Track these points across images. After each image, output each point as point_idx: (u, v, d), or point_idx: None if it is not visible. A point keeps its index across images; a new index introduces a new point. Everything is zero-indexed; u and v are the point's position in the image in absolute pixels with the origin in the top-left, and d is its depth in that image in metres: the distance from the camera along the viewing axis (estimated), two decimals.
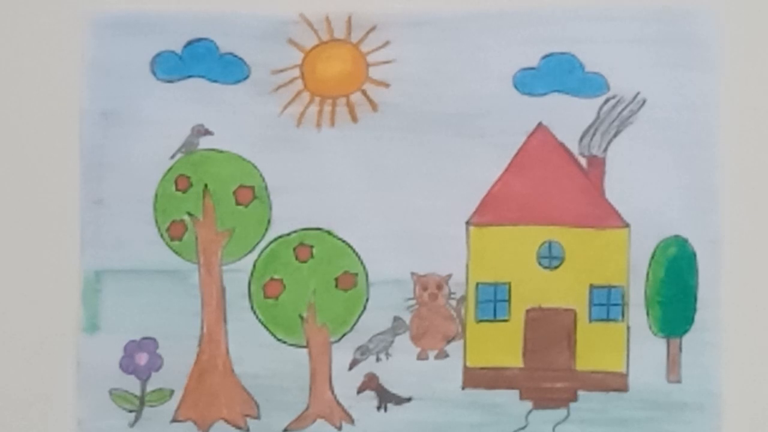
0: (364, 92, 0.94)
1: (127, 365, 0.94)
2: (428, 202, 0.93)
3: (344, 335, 0.94)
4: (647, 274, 0.92)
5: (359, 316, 0.94)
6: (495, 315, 0.93)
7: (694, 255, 0.92)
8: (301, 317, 0.94)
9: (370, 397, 0.93)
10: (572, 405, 0.92)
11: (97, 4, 0.95)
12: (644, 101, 0.93)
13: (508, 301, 0.93)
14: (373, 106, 0.94)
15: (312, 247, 0.94)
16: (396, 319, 0.93)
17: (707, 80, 0.92)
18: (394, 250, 0.93)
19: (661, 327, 0.92)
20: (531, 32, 0.93)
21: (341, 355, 0.94)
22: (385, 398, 0.93)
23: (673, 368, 0.92)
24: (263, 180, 0.94)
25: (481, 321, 0.93)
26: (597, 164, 0.93)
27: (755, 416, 0.92)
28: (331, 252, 0.94)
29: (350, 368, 0.93)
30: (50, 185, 0.95)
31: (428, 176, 0.93)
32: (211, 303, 0.94)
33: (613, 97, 0.93)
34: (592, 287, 0.92)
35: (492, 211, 0.93)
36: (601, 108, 0.93)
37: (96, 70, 0.95)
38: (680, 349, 0.92)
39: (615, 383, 0.92)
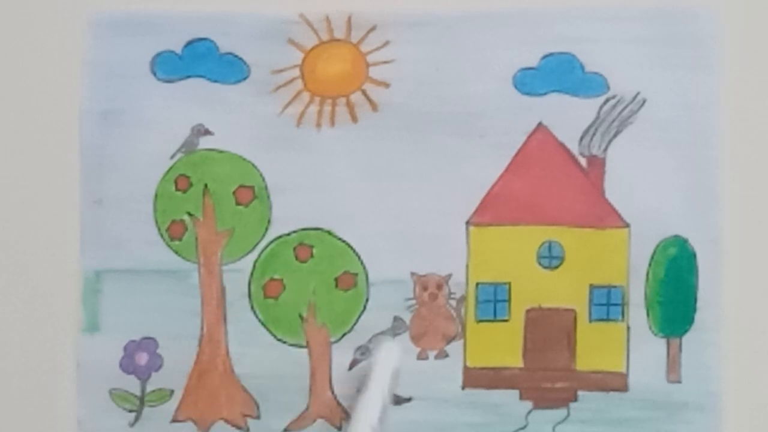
0: (364, 92, 0.94)
1: (127, 365, 0.94)
2: (428, 202, 0.93)
3: (344, 335, 0.94)
4: (647, 274, 0.92)
5: (359, 316, 0.94)
6: (495, 315, 0.93)
7: (694, 255, 0.92)
8: (301, 317, 0.94)
9: None
10: (572, 405, 0.92)
11: (97, 4, 0.95)
12: (644, 101, 0.93)
13: (508, 301, 0.93)
14: (373, 106, 0.94)
15: (312, 247, 0.94)
16: (396, 319, 0.93)
17: (707, 80, 0.92)
18: (394, 250, 0.93)
19: (661, 327, 0.92)
20: (531, 32, 0.93)
21: (341, 355, 0.94)
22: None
23: (673, 368, 0.92)
24: (263, 180, 0.94)
25: (481, 321, 0.93)
26: (597, 164, 0.93)
27: (755, 416, 0.92)
28: (331, 252, 0.94)
29: (350, 368, 0.94)
30: (50, 185, 0.95)
31: (428, 176, 0.93)
32: (211, 303, 0.94)
33: (613, 97, 0.93)
34: (592, 287, 0.93)
35: (492, 211, 0.93)
36: (601, 108, 0.93)
37: (96, 70, 0.95)
38: (680, 349, 0.92)
39: (615, 383, 0.92)
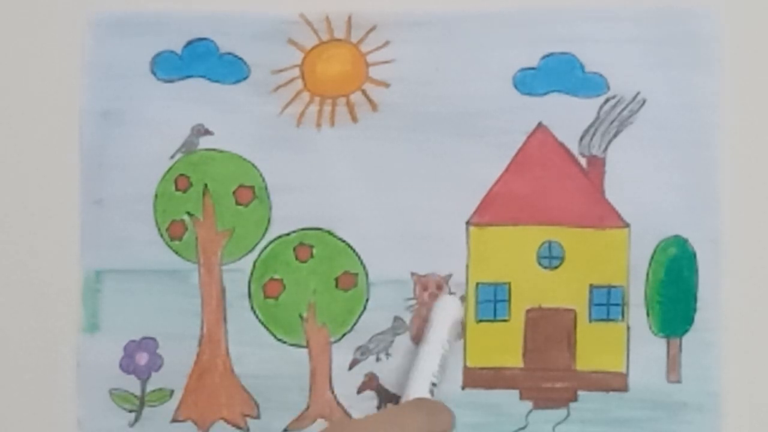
0: (364, 92, 0.94)
1: (127, 365, 0.94)
2: (428, 202, 0.93)
3: (344, 335, 0.94)
4: (647, 274, 0.92)
5: (359, 316, 0.94)
6: (495, 315, 0.93)
7: (694, 255, 0.92)
8: (301, 317, 0.94)
9: (370, 397, 0.93)
10: (572, 405, 0.92)
11: (97, 4, 0.95)
12: (644, 101, 0.93)
13: (508, 301, 0.93)
14: (373, 106, 0.94)
15: (312, 247, 0.94)
16: (396, 319, 0.93)
17: (707, 80, 0.92)
18: (394, 250, 0.93)
19: (661, 327, 0.92)
20: (531, 32, 0.93)
21: (341, 355, 0.94)
22: (385, 398, 0.93)
23: (673, 368, 0.92)
24: (263, 180, 0.94)
25: (481, 321, 0.93)
26: (597, 164, 0.93)
27: (755, 416, 0.92)
28: (331, 252, 0.94)
29: (350, 368, 0.94)
30: (50, 185, 0.95)
31: (428, 176, 0.93)
32: (211, 303, 0.94)
33: (613, 97, 0.93)
34: (592, 287, 0.92)
35: (492, 211, 0.93)
36: (601, 108, 0.93)
37: (96, 70, 0.95)
38: (680, 349, 0.92)
39: (615, 383, 0.92)
